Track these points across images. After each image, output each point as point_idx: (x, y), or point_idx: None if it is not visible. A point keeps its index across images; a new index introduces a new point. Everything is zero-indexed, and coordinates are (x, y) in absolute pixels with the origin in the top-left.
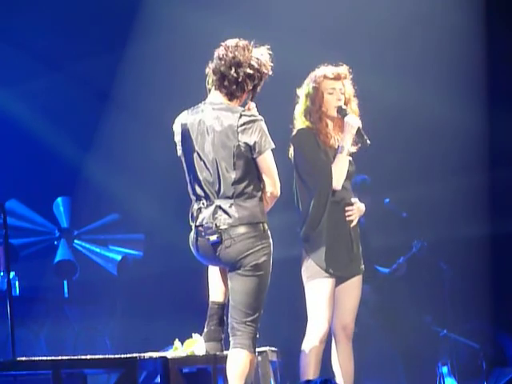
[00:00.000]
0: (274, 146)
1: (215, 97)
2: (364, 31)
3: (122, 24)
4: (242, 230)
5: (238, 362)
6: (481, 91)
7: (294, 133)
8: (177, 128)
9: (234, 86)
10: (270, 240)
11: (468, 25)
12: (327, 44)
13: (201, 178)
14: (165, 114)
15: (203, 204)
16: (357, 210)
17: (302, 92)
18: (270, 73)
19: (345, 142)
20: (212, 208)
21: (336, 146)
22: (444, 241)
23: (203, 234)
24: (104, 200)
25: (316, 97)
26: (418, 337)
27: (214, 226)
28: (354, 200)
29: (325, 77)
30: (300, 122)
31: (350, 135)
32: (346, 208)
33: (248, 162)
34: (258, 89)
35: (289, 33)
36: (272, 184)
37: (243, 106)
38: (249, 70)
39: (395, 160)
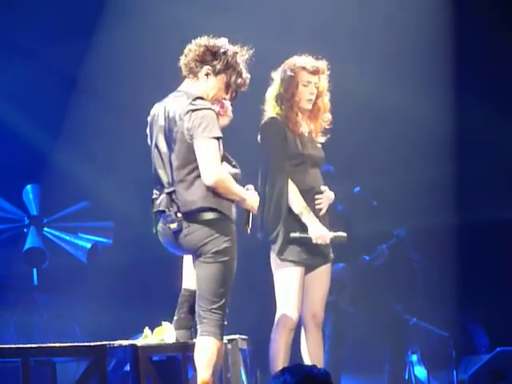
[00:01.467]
0: (215, 135)
1: (182, 84)
2: (342, 25)
3: (92, 10)
4: (199, 217)
5: (205, 349)
6: (448, 83)
7: (264, 120)
8: (149, 119)
9: (189, 60)
10: (233, 226)
11: (439, 20)
12: (307, 37)
13: (156, 165)
14: (135, 101)
15: (158, 191)
16: (326, 198)
17: (278, 76)
18: (229, 48)
19: (309, 223)
20: (166, 195)
21: (306, 133)
22: (415, 229)
23: (164, 222)
24: (74, 188)
25: (291, 86)
26: (390, 325)
27: (172, 213)
28: (324, 188)
29: (303, 68)
30: (271, 106)
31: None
32: (316, 196)
33: (192, 148)
34: (230, 72)
35: (269, 27)
36: (203, 172)
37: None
38: (199, 44)
39: (363, 150)
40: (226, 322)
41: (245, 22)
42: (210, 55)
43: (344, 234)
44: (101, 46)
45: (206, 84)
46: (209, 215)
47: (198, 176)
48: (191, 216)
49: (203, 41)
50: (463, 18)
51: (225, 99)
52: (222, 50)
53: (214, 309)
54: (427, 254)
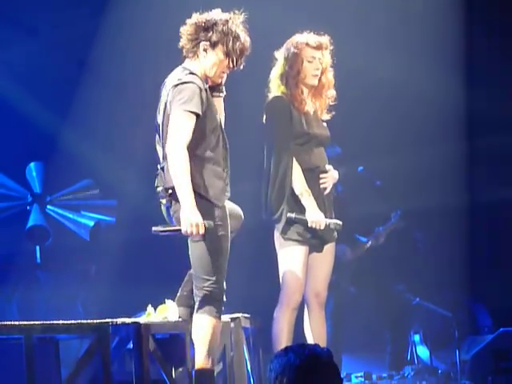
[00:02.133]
0: (189, 110)
1: (185, 62)
2: (349, 3)
3: None
4: (178, 196)
5: (200, 327)
6: (459, 60)
7: (268, 99)
8: None
9: (185, 42)
10: (215, 206)
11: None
12: (312, 17)
13: (155, 140)
14: (140, 82)
15: (158, 166)
16: (330, 177)
17: (281, 55)
18: (219, 18)
19: (307, 206)
20: (160, 170)
21: (311, 112)
22: (420, 210)
23: (160, 197)
24: (77, 165)
25: (295, 63)
26: (392, 305)
27: (163, 189)
28: (328, 167)
29: (307, 44)
30: (275, 85)
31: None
32: (321, 176)
33: None
34: (226, 41)
35: (278, 8)
36: (167, 141)
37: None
38: (190, 24)
39: (371, 128)
40: (223, 298)
41: (257, 3)
42: (202, 31)
43: (339, 222)
44: (109, 26)
45: (206, 60)
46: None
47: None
48: (174, 194)
49: (193, 19)
50: None
51: (231, 68)
52: (212, 22)
53: (206, 287)
54: (433, 234)
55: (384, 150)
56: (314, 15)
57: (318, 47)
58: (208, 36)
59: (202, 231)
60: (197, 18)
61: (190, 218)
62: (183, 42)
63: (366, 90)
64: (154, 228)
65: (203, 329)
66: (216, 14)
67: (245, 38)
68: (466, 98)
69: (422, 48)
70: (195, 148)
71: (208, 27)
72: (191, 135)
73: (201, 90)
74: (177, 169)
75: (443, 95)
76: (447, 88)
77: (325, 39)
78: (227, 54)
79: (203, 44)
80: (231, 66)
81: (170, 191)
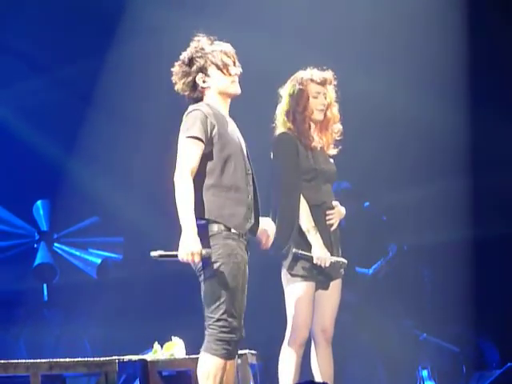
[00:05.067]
0: (191, 135)
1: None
2: (349, 32)
3: (107, 27)
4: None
5: (200, 365)
6: (464, 94)
7: (275, 135)
8: None
9: (185, 88)
10: (228, 241)
11: (452, 26)
12: (312, 44)
13: None
14: (148, 116)
15: None
16: (337, 213)
17: (285, 92)
18: (192, 46)
19: (313, 242)
20: None
21: (318, 148)
22: (426, 244)
23: None
24: (84, 203)
25: (301, 99)
26: (398, 340)
27: None
28: (335, 203)
29: (311, 80)
30: (281, 121)
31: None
32: (327, 212)
33: None
34: (214, 62)
35: (277, 35)
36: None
37: None
38: (173, 69)
39: (377, 163)
40: (231, 337)
41: (260, 35)
42: (188, 69)
43: (344, 261)
44: (115, 61)
45: (212, 86)
46: (204, 227)
47: (200, 183)
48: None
49: (174, 68)
50: (479, 23)
51: (235, 73)
52: (188, 57)
53: (210, 325)
54: (440, 269)
55: (390, 186)
56: (314, 46)
57: (323, 83)
58: (194, 69)
59: (197, 260)
60: (176, 64)
61: (188, 246)
62: (182, 89)
63: (372, 125)
64: (152, 253)
65: (202, 367)
66: (186, 51)
67: (219, 45)
68: (471, 134)
69: (428, 84)
70: (210, 178)
71: (189, 63)
72: (197, 161)
73: (206, 116)
74: (179, 196)
75: (449, 131)
76: (453, 123)
77: (329, 74)
78: (219, 67)
79: (197, 78)
80: (231, 73)
81: None
